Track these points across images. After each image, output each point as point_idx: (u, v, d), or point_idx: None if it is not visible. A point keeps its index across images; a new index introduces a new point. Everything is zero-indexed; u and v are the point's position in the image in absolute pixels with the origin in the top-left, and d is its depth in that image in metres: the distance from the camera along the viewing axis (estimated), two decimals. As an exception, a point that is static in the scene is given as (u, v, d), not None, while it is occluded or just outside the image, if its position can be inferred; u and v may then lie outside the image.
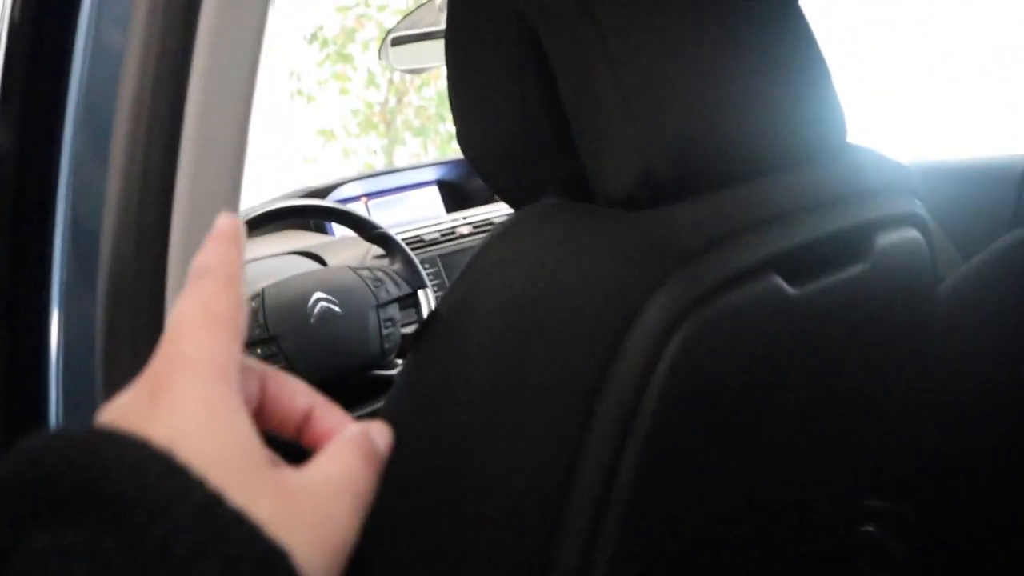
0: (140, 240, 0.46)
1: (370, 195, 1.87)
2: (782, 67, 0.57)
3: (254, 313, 1.29)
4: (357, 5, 4.35)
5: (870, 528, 0.89)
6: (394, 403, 0.58)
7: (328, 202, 1.56)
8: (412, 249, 1.55)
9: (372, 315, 1.34)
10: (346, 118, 4.55)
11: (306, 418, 0.33)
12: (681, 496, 0.52)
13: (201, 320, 0.29)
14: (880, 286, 0.58)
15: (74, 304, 0.54)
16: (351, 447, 0.31)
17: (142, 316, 0.47)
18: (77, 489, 0.24)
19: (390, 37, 1.55)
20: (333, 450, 0.31)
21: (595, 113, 0.52)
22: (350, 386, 1.34)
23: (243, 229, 0.33)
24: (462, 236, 1.68)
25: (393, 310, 1.38)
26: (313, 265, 1.55)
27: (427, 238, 1.64)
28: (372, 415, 1.35)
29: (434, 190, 1.97)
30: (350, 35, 4.38)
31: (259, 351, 1.27)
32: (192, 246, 0.46)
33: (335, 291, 1.33)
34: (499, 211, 1.77)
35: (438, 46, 1.64)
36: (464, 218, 1.72)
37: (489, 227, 1.72)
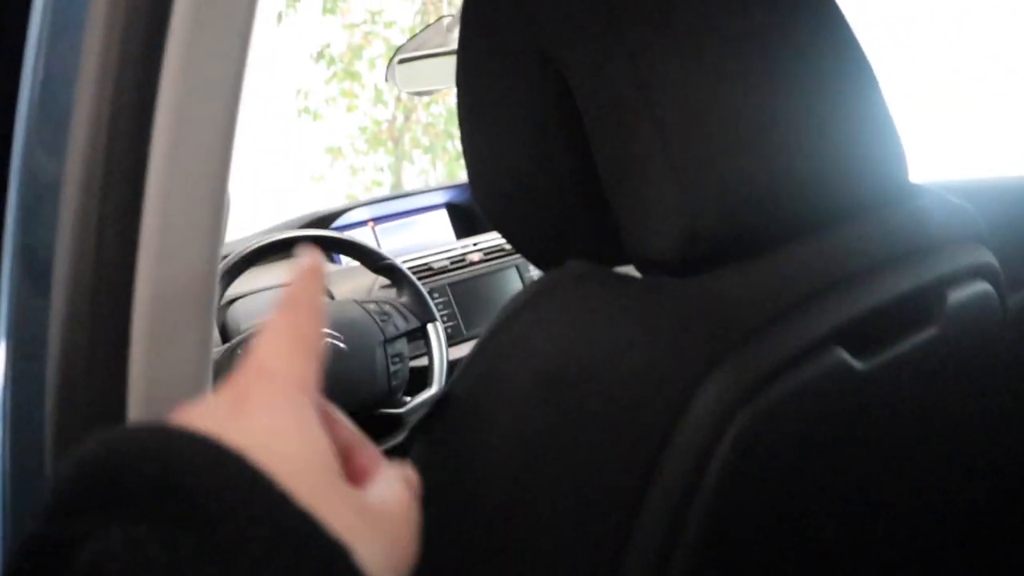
0: (100, 265, 0.39)
1: (377, 220, 1.81)
2: (837, 101, 0.50)
3: (255, 351, 1.22)
4: (364, 22, 4.31)
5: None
6: None
7: (332, 231, 1.50)
8: (420, 278, 1.49)
9: (379, 351, 1.28)
10: (353, 136, 4.51)
11: (347, 451, 0.34)
12: None
13: (287, 341, 0.32)
14: (953, 349, 0.51)
15: (24, 332, 0.47)
16: (402, 480, 0.33)
17: (100, 359, 0.40)
18: (151, 483, 0.25)
19: (397, 59, 1.49)
20: (386, 480, 0.33)
21: (630, 160, 0.45)
22: (357, 425, 1.28)
23: (324, 263, 0.36)
24: (472, 264, 1.62)
25: (401, 344, 1.32)
26: (318, 296, 1.49)
27: (436, 266, 1.58)
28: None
29: (443, 214, 1.91)
30: (357, 52, 4.34)
31: (260, 391, 1.20)
32: (165, 266, 0.39)
33: (340, 327, 1.26)
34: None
35: (446, 68, 1.59)
36: (475, 244, 1.66)
37: (501, 253, 1.66)
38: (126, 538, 0.24)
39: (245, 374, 0.30)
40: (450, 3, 4.21)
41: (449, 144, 4.52)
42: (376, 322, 1.30)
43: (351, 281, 1.52)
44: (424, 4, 4.29)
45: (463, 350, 1.50)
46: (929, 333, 0.49)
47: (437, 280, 1.56)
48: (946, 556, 0.61)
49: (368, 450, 0.35)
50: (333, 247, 1.39)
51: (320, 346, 0.33)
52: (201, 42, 0.37)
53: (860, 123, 0.51)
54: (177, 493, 0.25)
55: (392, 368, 1.29)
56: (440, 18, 1.52)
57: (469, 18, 0.53)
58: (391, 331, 1.30)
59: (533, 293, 0.47)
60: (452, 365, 1.38)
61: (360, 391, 1.25)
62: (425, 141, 4.59)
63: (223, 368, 1.20)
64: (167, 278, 0.40)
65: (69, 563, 0.24)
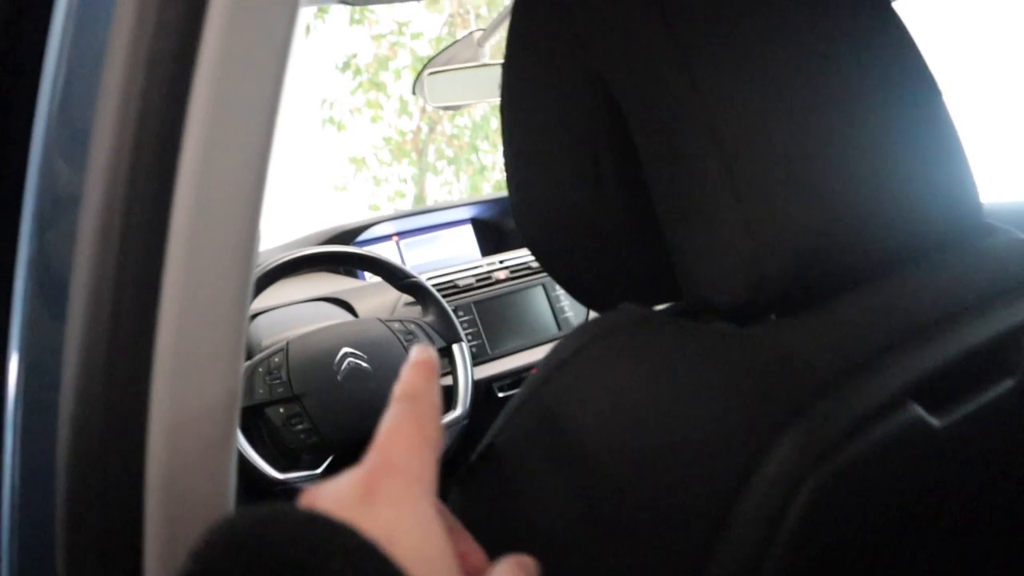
0: (121, 285, 0.35)
1: (402, 234, 1.79)
2: (909, 131, 0.47)
3: (276, 369, 1.20)
4: (391, 33, 4.32)
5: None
6: None
7: (356, 247, 1.48)
8: (445, 296, 1.46)
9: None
10: (378, 146, 4.51)
11: (461, 550, 0.36)
12: None
13: (412, 437, 0.33)
14: None
15: (36, 354, 0.44)
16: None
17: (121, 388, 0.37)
18: (297, 566, 0.27)
19: (426, 72, 1.47)
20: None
21: (692, 197, 0.42)
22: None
23: (438, 359, 0.37)
24: (498, 282, 1.59)
25: (425, 365, 1.29)
26: (341, 313, 1.46)
27: (461, 283, 1.55)
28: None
29: (468, 229, 1.89)
30: (383, 63, 4.34)
31: (281, 410, 1.18)
32: (192, 290, 0.35)
33: (364, 346, 1.24)
34: (537, 254, 1.68)
35: (475, 82, 1.57)
36: (500, 262, 1.63)
37: (527, 272, 1.63)
38: None
39: (373, 466, 0.32)
40: (477, 15, 4.21)
41: (473, 156, 4.51)
42: (401, 342, 1.27)
43: (375, 298, 1.50)
44: (451, 16, 4.29)
45: (488, 370, 1.47)
46: (1008, 385, 0.46)
47: (462, 298, 1.53)
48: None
49: (476, 548, 0.37)
50: (358, 264, 1.36)
51: (441, 442, 0.34)
52: (237, 47, 0.34)
53: (933, 155, 0.48)
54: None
55: (416, 389, 1.26)
56: (471, 32, 1.49)
57: (516, 36, 0.50)
58: (416, 351, 1.27)
59: (588, 338, 0.44)
60: (477, 385, 1.35)
61: (383, 412, 1.22)
62: (449, 153, 4.58)
63: (245, 387, 1.18)
64: (195, 303, 0.36)
65: None
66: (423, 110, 4.48)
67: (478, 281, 1.57)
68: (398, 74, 4.37)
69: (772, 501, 0.37)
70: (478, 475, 0.44)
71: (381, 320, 1.31)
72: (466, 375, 1.33)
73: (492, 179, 4.53)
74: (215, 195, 0.34)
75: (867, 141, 0.45)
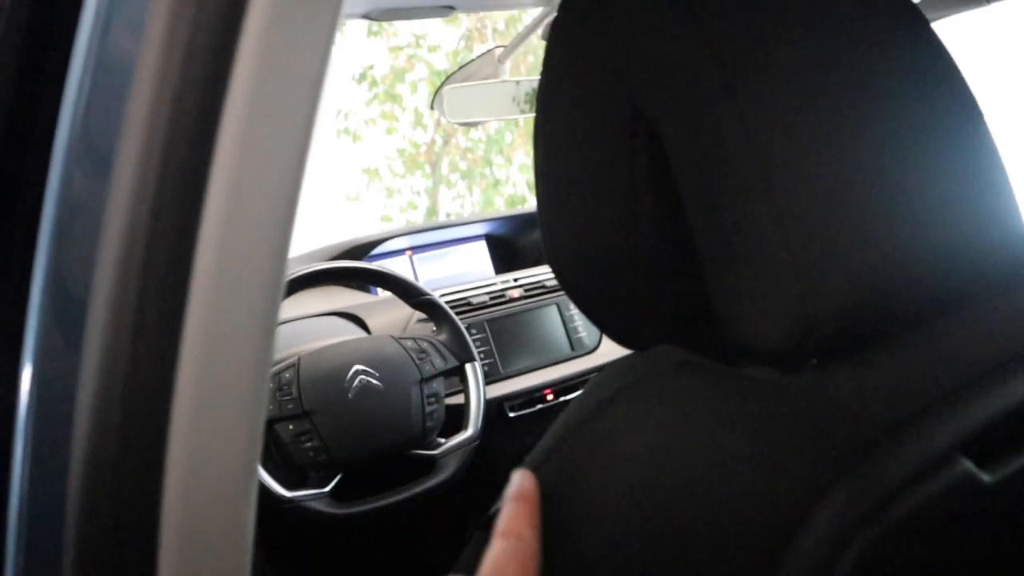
0: (144, 301, 0.32)
1: (415, 249, 1.78)
2: (958, 165, 0.45)
3: (287, 385, 1.18)
4: (409, 46, 4.32)
5: None
6: None
7: (370, 263, 1.47)
8: (459, 313, 1.44)
9: (415, 391, 1.23)
10: (391, 158, 4.51)
11: None
12: None
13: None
14: None
15: (48, 394, 0.42)
16: None
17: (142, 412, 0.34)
18: None
19: (445, 88, 1.46)
20: None
21: (737, 237, 0.40)
22: (388, 467, 1.23)
23: (537, 490, 0.39)
24: (512, 300, 1.57)
25: (438, 384, 1.27)
26: (353, 328, 1.45)
27: (475, 301, 1.53)
28: (411, 499, 1.24)
29: (482, 245, 1.88)
30: (400, 75, 4.35)
31: (290, 427, 1.16)
32: (218, 316, 0.33)
33: (376, 363, 1.22)
34: (551, 273, 1.66)
35: (495, 99, 1.56)
36: (515, 280, 1.61)
37: (541, 291, 1.61)
38: None
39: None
40: (495, 30, 4.21)
41: (487, 170, 4.51)
42: (413, 360, 1.25)
43: (388, 313, 1.48)
44: (468, 30, 4.29)
45: (499, 389, 1.45)
46: None
47: (475, 316, 1.51)
48: None
49: None
50: (372, 280, 1.35)
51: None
52: (280, 34, 0.31)
53: (981, 190, 0.46)
54: None
55: (427, 408, 1.24)
56: (491, 48, 1.49)
57: (553, 61, 0.48)
58: (428, 370, 1.26)
59: (624, 383, 0.42)
60: (488, 405, 1.33)
61: (393, 431, 1.20)
62: (463, 166, 4.58)
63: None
64: (221, 328, 0.33)
65: None
66: (438, 123, 4.48)
67: (492, 299, 1.55)
68: (414, 87, 4.37)
69: (819, 561, 0.35)
70: None
71: (394, 337, 1.29)
72: (478, 395, 1.31)
73: (505, 193, 4.52)
74: (241, 238, 0.32)
75: (915, 177, 0.43)
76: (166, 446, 0.33)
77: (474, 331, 1.48)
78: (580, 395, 0.44)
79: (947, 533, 0.39)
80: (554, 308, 1.61)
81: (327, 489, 1.15)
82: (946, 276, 0.43)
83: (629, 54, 0.43)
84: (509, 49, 1.46)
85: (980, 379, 0.41)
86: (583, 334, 1.60)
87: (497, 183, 4.53)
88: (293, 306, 1.45)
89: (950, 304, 0.44)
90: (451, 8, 1.24)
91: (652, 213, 0.44)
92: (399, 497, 1.20)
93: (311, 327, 1.42)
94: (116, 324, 0.33)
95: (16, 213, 0.48)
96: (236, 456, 0.33)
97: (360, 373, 1.20)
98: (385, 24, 4.23)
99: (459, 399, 1.33)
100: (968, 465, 0.39)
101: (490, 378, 1.45)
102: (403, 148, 4.52)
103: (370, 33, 4.24)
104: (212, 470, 0.33)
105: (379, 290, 1.64)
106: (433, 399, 1.25)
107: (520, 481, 0.39)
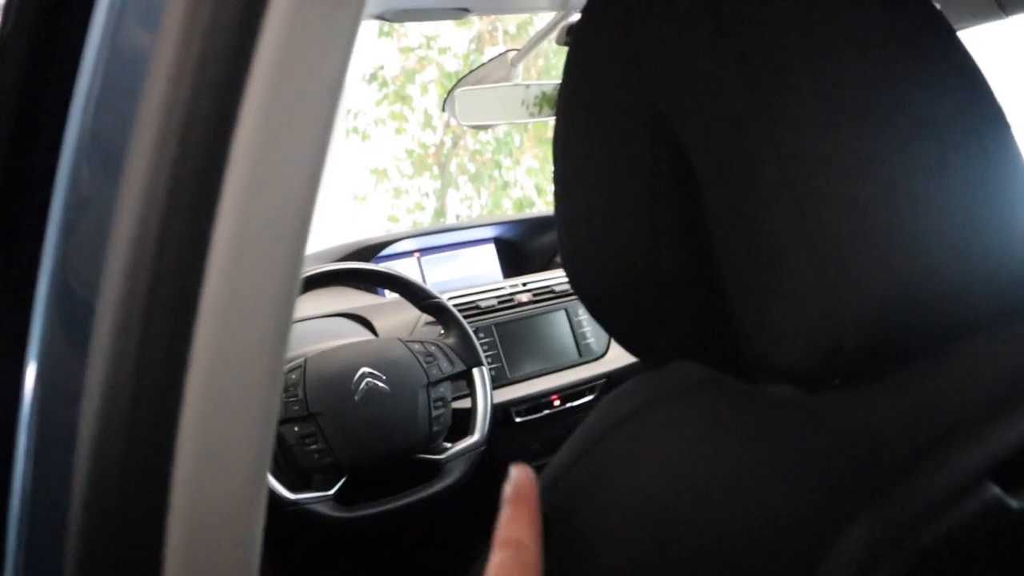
0: (153, 306, 0.31)
1: (424, 251, 1.77)
2: (982, 176, 0.44)
3: (293, 386, 1.18)
4: (419, 47, 4.32)
5: None
6: None
7: (378, 264, 1.46)
8: (467, 317, 1.43)
9: (422, 394, 1.22)
10: (400, 158, 4.50)
11: None
12: None
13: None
14: None
15: (53, 397, 0.41)
16: None
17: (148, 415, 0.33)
18: None
19: (457, 90, 1.45)
20: None
21: (764, 253, 0.39)
22: (393, 471, 1.22)
23: (536, 484, 0.38)
24: (521, 304, 1.56)
25: (444, 388, 1.26)
26: (360, 330, 1.44)
27: (483, 305, 1.52)
28: (416, 504, 1.23)
29: (491, 248, 1.87)
30: (410, 76, 4.35)
31: (296, 429, 1.15)
32: (231, 312, 0.31)
33: (383, 366, 1.21)
34: (560, 278, 1.65)
35: (507, 103, 1.55)
36: (524, 284, 1.60)
37: (550, 296, 1.60)
38: None
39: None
40: (505, 32, 4.21)
41: (495, 172, 4.50)
42: (420, 364, 1.25)
43: (395, 316, 1.47)
44: (479, 32, 4.29)
45: (506, 394, 1.44)
46: None
47: (483, 320, 1.50)
48: None
49: None
50: (380, 282, 1.34)
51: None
52: (300, 38, 0.30)
53: (1010, 205, 0.45)
54: None
55: (434, 413, 1.23)
56: (504, 52, 1.48)
57: (574, 66, 0.47)
58: (435, 374, 1.25)
59: (642, 400, 0.41)
60: (494, 410, 1.32)
61: (399, 435, 1.20)
62: (471, 168, 4.57)
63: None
64: (232, 337, 0.32)
65: None
66: (447, 124, 4.47)
67: (500, 303, 1.55)
68: (424, 88, 4.37)
69: None
70: None
71: (401, 340, 1.28)
72: (485, 400, 1.30)
73: (513, 196, 4.52)
74: (256, 246, 0.31)
75: (943, 195, 0.42)
76: (173, 456, 0.32)
77: (482, 335, 1.47)
78: (599, 409, 0.43)
79: (975, 560, 0.38)
80: (563, 313, 1.60)
81: (331, 492, 1.14)
82: (972, 297, 0.42)
83: (654, 62, 0.42)
84: (522, 53, 1.45)
85: (1006, 402, 0.40)
86: (591, 340, 1.58)
87: (506, 185, 4.52)
88: (300, 306, 1.44)
89: (976, 325, 0.43)
90: (466, 10, 1.23)
91: (673, 223, 0.43)
92: (404, 501, 1.19)
93: (318, 328, 1.41)
94: (124, 328, 0.32)
95: (23, 213, 0.48)
96: (245, 467, 0.32)
97: (367, 376, 1.20)
98: (396, 25, 4.22)
99: (466, 403, 1.32)
100: (996, 490, 0.38)
101: (496, 382, 1.44)
102: (412, 149, 4.52)
103: (381, 34, 4.24)
104: (220, 481, 0.32)
105: (387, 292, 1.63)
106: (440, 403, 1.25)
107: (517, 478, 0.38)
